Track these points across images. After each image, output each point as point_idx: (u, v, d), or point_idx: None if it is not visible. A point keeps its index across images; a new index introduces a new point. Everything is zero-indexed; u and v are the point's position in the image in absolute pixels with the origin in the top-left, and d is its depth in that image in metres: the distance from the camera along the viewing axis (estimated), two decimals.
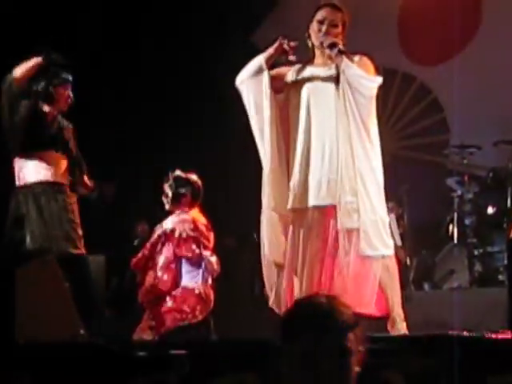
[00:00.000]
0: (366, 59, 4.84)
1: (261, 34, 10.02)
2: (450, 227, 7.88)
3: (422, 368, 3.80)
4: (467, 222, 7.80)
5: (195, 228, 6.05)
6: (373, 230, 4.66)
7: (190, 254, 6.02)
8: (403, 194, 8.25)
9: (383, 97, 6.30)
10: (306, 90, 4.85)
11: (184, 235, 6.02)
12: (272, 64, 4.89)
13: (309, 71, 4.89)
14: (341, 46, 4.74)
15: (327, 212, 4.73)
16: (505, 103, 8.81)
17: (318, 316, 2.33)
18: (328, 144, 4.74)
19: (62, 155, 6.06)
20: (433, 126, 9.64)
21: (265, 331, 6.68)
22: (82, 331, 5.16)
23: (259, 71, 4.85)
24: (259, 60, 4.87)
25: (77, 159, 6.18)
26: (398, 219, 8.14)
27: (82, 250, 5.81)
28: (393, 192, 7.20)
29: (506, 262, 7.23)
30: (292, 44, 4.83)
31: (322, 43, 4.80)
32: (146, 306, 6.05)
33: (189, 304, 5.94)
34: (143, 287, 6.09)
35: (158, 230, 6.16)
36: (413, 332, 4.76)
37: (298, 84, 4.89)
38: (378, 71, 4.85)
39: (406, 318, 4.76)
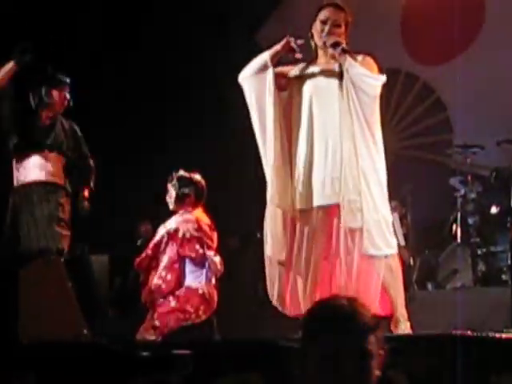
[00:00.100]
0: (369, 59, 4.83)
1: (263, 33, 10.03)
2: (454, 227, 7.88)
3: (425, 368, 3.80)
4: (470, 221, 7.79)
5: (199, 228, 6.04)
6: (376, 229, 4.65)
7: (193, 254, 6.02)
8: (406, 193, 8.24)
9: (386, 96, 6.30)
10: (308, 88, 4.84)
11: (187, 235, 6.02)
12: (277, 62, 4.88)
13: (311, 69, 4.89)
14: (344, 45, 4.74)
15: (331, 211, 4.73)
16: (508, 103, 8.81)
17: (339, 318, 2.30)
18: (331, 143, 4.74)
19: (57, 155, 6.14)
20: (436, 125, 9.65)
21: (268, 331, 6.71)
22: (85, 331, 5.17)
23: (263, 68, 4.84)
24: (264, 57, 4.85)
25: (76, 160, 6.23)
26: (402, 219, 8.14)
27: (64, 249, 5.89)
28: (396, 191, 7.20)
29: (509, 261, 7.24)
30: (299, 42, 4.83)
31: (324, 43, 4.80)
32: (149, 305, 6.04)
33: (192, 304, 5.93)
34: (146, 287, 6.08)
35: (162, 230, 6.16)
36: (416, 332, 4.76)
37: (301, 81, 4.88)
38: (381, 71, 4.84)
39: (410, 318, 4.76)
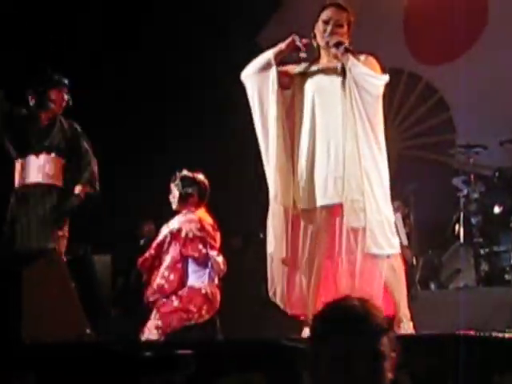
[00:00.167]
0: (371, 58, 4.83)
1: (264, 34, 10.03)
2: (456, 227, 7.87)
3: (428, 367, 3.80)
4: (473, 221, 7.78)
5: (202, 228, 6.04)
6: (378, 229, 4.65)
7: (196, 254, 6.02)
8: (409, 193, 8.24)
9: (389, 96, 6.30)
10: (311, 87, 4.83)
11: (190, 235, 6.02)
12: (280, 61, 4.87)
13: (314, 69, 4.88)
14: (347, 45, 4.73)
15: (334, 211, 4.73)
16: (511, 103, 8.80)
17: (351, 319, 2.29)
18: (334, 142, 4.73)
19: (56, 157, 6.15)
20: (439, 125, 9.64)
21: (271, 331, 6.71)
22: (88, 331, 5.17)
23: (267, 66, 4.83)
24: (268, 55, 4.84)
25: (76, 161, 6.24)
26: (404, 218, 8.14)
27: (59, 250, 5.90)
28: (399, 191, 7.20)
29: None
30: (304, 41, 4.83)
31: (327, 43, 4.79)
32: (152, 305, 6.04)
33: (195, 304, 5.94)
34: (149, 287, 6.09)
35: (165, 230, 6.16)
36: (419, 331, 4.76)
37: (304, 79, 4.88)
38: (383, 70, 4.84)
39: (413, 318, 4.76)
